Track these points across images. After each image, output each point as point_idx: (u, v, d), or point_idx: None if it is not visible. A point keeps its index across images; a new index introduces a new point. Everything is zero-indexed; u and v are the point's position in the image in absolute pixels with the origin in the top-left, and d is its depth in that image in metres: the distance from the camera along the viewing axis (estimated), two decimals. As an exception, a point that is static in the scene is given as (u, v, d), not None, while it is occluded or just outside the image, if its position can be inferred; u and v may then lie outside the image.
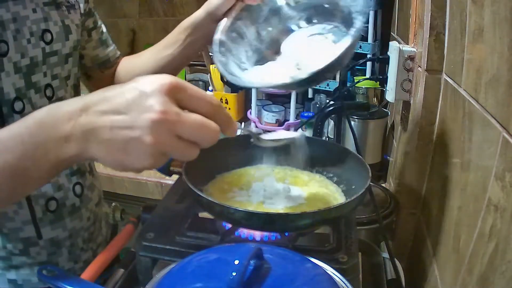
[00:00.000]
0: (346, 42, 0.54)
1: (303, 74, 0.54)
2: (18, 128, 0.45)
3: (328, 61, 0.54)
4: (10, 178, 0.45)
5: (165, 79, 0.41)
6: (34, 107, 0.69)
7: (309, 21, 0.67)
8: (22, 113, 0.68)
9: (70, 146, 0.43)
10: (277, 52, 0.67)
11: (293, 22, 0.67)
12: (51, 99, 0.73)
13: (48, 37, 0.71)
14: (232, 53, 0.64)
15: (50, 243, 0.75)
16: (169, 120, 0.40)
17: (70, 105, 0.44)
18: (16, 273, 0.74)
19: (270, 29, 0.68)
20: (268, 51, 0.67)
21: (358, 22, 0.55)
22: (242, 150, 0.73)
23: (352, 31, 0.55)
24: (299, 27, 0.67)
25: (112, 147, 0.41)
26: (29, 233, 0.73)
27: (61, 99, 0.75)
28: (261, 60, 0.66)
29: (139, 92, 0.41)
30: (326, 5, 0.64)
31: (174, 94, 0.41)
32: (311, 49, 0.63)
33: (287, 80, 0.55)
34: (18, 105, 0.67)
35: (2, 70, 0.64)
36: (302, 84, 0.56)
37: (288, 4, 0.67)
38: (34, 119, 0.45)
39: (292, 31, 0.67)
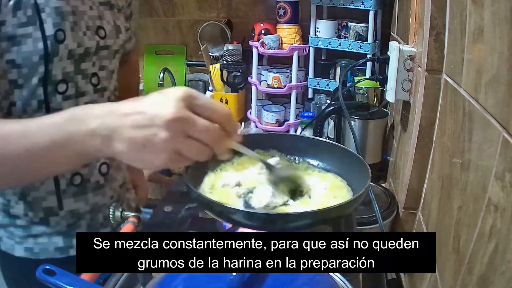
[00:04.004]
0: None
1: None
2: (56, 117, 0.51)
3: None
4: (38, 159, 0.51)
5: (182, 88, 0.48)
6: (79, 91, 0.76)
7: None
8: (64, 94, 0.74)
9: (95, 140, 0.48)
10: None
11: None
12: (96, 86, 0.80)
13: (102, 33, 0.78)
14: None
15: (70, 214, 0.80)
16: (182, 119, 0.46)
17: (102, 106, 0.50)
18: (34, 241, 0.78)
19: None
20: None
21: None
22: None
23: None
24: None
25: (133, 144, 0.47)
26: (51, 203, 0.77)
27: (105, 88, 0.83)
28: None
29: (158, 98, 0.48)
30: None
31: (189, 101, 0.47)
32: None
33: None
34: (61, 87, 0.74)
35: (56, 55, 0.70)
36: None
37: None
38: (70, 112, 0.51)
39: None
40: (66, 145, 0.49)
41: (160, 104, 0.47)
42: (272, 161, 0.69)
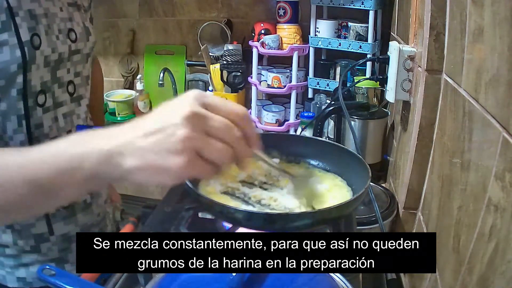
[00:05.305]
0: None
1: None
2: (60, 142, 0.45)
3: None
4: (42, 190, 0.44)
5: (192, 91, 0.44)
6: (56, 101, 0.73)
7: None
8: (43, 106, 0.70)
9: (104, 159, 0.43)
10: None
11: None
12: (72, 95, 0.76)
13: (73, 35, 0.74)
14: None
15: (61, 239, 0.77)
16: (199, 114, 0.42)
17: (107, 128, 0.45)
18: (25, 270, 0.75)
19: None
20: None
21: None
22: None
23: None
24: None
25: (146, 154, 0.42)
26: (41, 229, 0.74)
27: (81, 97, 0.79)
28: None
29: (168, 104, 0.44)
30: None
31: (201, 100, 0.43)
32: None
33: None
34: (41, 99, 0.69)
35: (34, 63, 0.66)
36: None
37: None
38: (75, 136, 0.45)
39: None
40: (73, 170, 0.43)
41: (172, 107, 0.43)
42: (272, 162, 0.69)
